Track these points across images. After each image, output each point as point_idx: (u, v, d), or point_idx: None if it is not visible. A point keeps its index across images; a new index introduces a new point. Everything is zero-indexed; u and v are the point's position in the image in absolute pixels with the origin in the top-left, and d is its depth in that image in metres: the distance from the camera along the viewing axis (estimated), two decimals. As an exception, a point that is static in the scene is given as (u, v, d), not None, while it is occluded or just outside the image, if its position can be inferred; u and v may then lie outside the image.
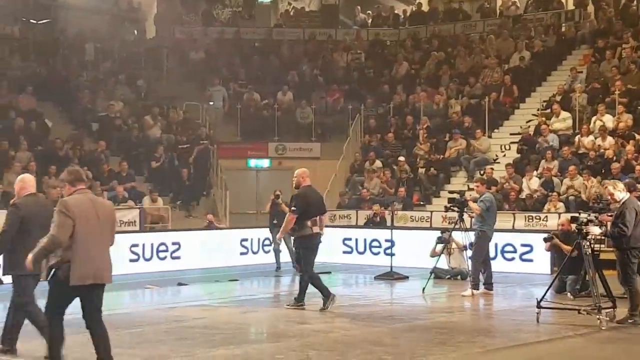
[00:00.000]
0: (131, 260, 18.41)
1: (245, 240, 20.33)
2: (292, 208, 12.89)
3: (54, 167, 21.95)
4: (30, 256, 7.84)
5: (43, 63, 28.40)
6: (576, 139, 22.93)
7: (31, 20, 31.18)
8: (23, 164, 21.44)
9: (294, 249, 13.14)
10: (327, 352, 9.52)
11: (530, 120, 25.24)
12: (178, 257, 19.22)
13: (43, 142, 23.90)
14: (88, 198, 7.97)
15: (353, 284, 18.26)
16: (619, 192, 11.75)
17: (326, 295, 12.89)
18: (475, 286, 14.76)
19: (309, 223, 12.86)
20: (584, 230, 11.63)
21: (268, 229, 19.69)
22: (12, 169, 21.13)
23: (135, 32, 33.85)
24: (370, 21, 35.06)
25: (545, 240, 15.79)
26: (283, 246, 19.13)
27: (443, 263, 17.01)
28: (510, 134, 25.29)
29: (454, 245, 16.97)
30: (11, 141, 22.78)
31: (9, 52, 28.16)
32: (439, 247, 17.05)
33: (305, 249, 13.00)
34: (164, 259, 19.02)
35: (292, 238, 13.13)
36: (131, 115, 26.60)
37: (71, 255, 7.70)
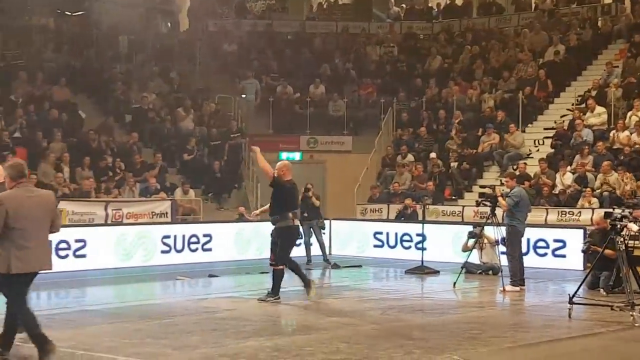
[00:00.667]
0: (163, 252, 18.54)
1: (276, 232, 20.27)
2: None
3: (88, 158, 22.12)
4: None
5: (77, 55, 28.58)
6: (611, 134, 22.70)
7: (66, 13, 31.37)
8: (57, 155, 21.60)
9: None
10: (357, 345, 9.49)
11: (564, 115, 25.03)
12: (209, 249, 19.29)
13: (77, 133, 24.06)
14: (27, 191, 8.29)
15: (384, 277, 18.24)
16: (656, 186, 11.59)
17: (275, 293, 12.92)
18: (515, 282, 14.57)
19: (290, 215, 13.01)
20: (619, 226, 11.49)
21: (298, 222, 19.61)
22: (47, 159, 21.27)
23: (169, 24, 34.03)
24: (403, 14, 34.91)
25: (584, 252, 15.63)
26: (314, 239, 19.18)
27: (475, 258, 16.92)
28: (544, 129, 25.08)
29: (485, 240, 16.86)
30: (45, 132, 22.95)
31: (44, 44, 28.36)
32: (471, 241, 16.94)
33: (284, 240, 13.12)
34: (195, 250, 19.10)
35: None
36: (164, 107, 26.72)
37: (10, 246, 8.01)
